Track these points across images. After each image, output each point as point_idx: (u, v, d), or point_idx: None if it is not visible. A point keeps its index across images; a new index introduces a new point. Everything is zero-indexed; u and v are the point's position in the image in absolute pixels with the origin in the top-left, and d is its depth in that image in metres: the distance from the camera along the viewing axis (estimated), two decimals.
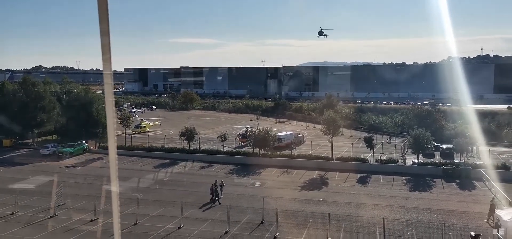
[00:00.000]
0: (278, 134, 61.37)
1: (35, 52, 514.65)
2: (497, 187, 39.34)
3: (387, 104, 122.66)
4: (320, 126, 60.47)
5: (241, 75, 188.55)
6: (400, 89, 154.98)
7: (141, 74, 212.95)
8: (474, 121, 63.63)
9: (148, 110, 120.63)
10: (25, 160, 54.46)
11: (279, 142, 57.91)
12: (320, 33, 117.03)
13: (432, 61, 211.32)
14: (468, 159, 51.01)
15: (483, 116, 77.12)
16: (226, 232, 29.38)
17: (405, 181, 43.93)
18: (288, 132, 66.57)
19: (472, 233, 28.11)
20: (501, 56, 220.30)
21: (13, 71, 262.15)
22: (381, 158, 51.60)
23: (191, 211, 33.70)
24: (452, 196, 38.76)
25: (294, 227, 30.63)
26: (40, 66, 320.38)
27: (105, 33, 3.20)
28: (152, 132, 73.34)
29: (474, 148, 54.97)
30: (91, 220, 31.30)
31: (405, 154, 53.76)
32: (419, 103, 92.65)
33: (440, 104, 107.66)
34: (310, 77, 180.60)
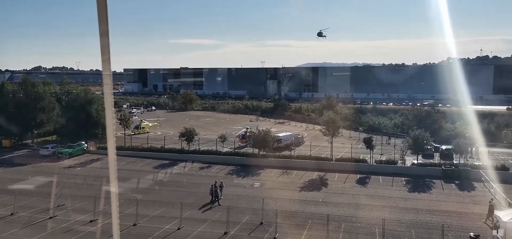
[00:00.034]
0: (278, 135, 61.38)
1: (35, 52, 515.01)
2: (496, 188, 39.34)
3: (387, 105, 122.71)
4: (319, 127, 60.50)
5: (240, 76, 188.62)
6: (400, 90, 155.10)
7: (141, 75, 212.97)
8: (473, 122, 63.66)
9: (147, 111, 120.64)
10: (24, 160, 54.44)
11: (278, 143, 57.92)
12: (319, 34, 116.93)
13: (431, 62, 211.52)
14: (468, 160, 51.03)
15: (483, 117, 77.15)
16: (225, 233, 29.37)
17: (404, 182, 43.93)
18: (288, 133, 66.60)
19: (472, 234, 28.14)
20: (500, 57, 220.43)
21: (12, 72, 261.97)
22: (381, 159, 51.62)
23: (190, 211, 33.69)
24: (452, 197, 38.77)
25: (294, 227, 30.63)
26: (40, 66, 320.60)
27: (104, 34, 3.21)
28: (151, 133, 73.32)
29: (474, 149, 54.98)
30: (91, 221, 31.28)
31: (405, 155, 53.80)
32: (418, 104, 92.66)
33: (440, 105, 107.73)
34: (309, 78, 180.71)
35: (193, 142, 56.74)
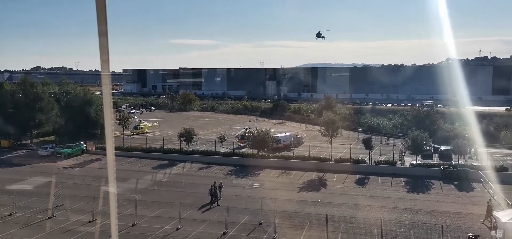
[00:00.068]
0: (277, 135, 61.36)
1: (34, 52, 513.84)
2: (495, 189, 39.39)
3: (386, 105, 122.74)
4: (318, 127, 60.53)
5: (239, 77, 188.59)
6: (399, 90, 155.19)
7: (140, 75, 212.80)
8: (472, 123, 63.70)
9: (146, 111, 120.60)
10: (23, 161, 54.39)
11: (277, 143, 57.90)
12: (318, 35, 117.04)
13: (430, 63, 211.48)
14: (466, 161, 51.06)
15: (482, 117, 77.14)
16: (224, 233, 29.37)
17: (403, 182, 43.95)
18: (287, 133, 66.59)
19: (470, 234, 28.16)
20: (499, 58, 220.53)
21: (11, 72, 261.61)
22: (380, 159, 51.64)
23: (189, 212, 33.68)
24: (450, 198, 38.80)
25: (293, 228, 30.64)
26: (39, 67, 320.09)
27: (103, 34, 3.20)
28: (150, 133, 73.28)
29: (473, 149, 55.00)
30: (89, 221, 31.26)
31: (404, 155, 53.81)
32: (417, 105, 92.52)
33: (439, 105, 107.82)
34: (308, 79, 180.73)
35: (192, 143, 56.72)
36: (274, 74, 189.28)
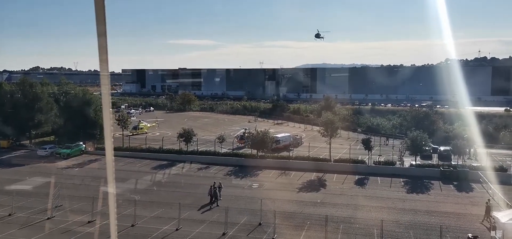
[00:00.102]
0: (276, 135, 61.38)
1: (33, 53, 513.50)
2: (494, 189, 39.41)
3: (385, 106, 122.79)
4: (318, 128, 60.55)
5: (239, 77, 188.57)
6: (398, 91, 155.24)
7: (139, 75, 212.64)
8: (471, 123, 63.76)
9: (146, 112, 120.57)
10: (22, 161, 54.34)
11: (277, 143, 57.89)
12: (317, 36, 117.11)
13: (429, 63, 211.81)
14: (466, 161, 51.08)
15: (481, 118, 77.20)
16: (224, 234, 29.36)
17: (402, 183, 43.96)
18: (286, 134, 66.59)
19: (470, 235, 28.18)
20: (498, 59, 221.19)
21: (10, 72, 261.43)
22: (379, 160, 51.64)
23: (189, 212, 33.66)
24: (450, 198, 38.81)
25: (292, 228, 30.64)
26: (38, 67, 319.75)
27: (102, 34, 3.19)
28: (150, 134, 73.28)
29: (472, 150, 55.05)
30: (89, 222, 31.24)
31: (403, 156, 53.81)
32: (416, 105, 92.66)
33: (438, 106, 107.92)
34: (308, 79, 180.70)
35: (192, 143, 56.69)
36: (273, 75, 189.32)
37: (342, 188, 42.30)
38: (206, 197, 36.78)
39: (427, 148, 53.46)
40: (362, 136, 61.70)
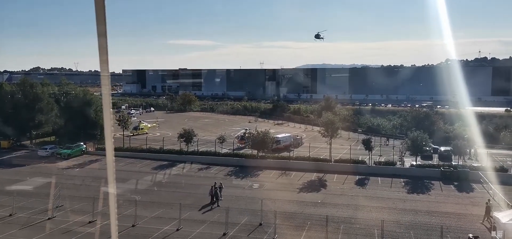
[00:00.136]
0: (277, 136, 61.39)
1: (33, 53, 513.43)
2: (495, 190, 39.40)
3: (385, 106, 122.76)
4: (318, 128, 60.54)
5: (239, 77, 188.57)
6: (398, 91, 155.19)
7: (140, 76, 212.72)
8: (472, 124, 63.74)
9: (146, 112, 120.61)
10: (23, 161, 54.37)
11: (277, 144, 57.89)
12: (317, 36, 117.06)
13: (430, 64, 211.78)
14: (466, 162, 51.06)
15: (481, 118, 77.20)
16: (224, 234, 29.37)
17: (403, 183, 43.95)
18: (287, 134, 66.60)
19: (471, 235, 28.18)
20: (498, 59, 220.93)
21: (11, 73, 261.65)
22: (379, 160, 51.62)
23: (189, 213, 33.67)
24: (450, 198, 38.80)
25: (293, 229, 30.64)
26: (38, 67, 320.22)
27: (102, 35, 3.20)
28: (150, 134, 73.29)
29: (472, 150, 55.03)
30: (89, 222, 31.25)
31: (403, 156, 53.75)
32: (417, 106, 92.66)
33: (438, 106, 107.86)
34: (308, 79, 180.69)
35: (192, 143, 56.72)
36: (273, 75, 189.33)
37: (342, 188, 42.29)
38: (207, 197, 36.79)
39: (427, 148, 53.46)
40: (363, 137, 61.67)
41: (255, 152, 54.03)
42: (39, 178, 45.22)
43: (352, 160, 50.66)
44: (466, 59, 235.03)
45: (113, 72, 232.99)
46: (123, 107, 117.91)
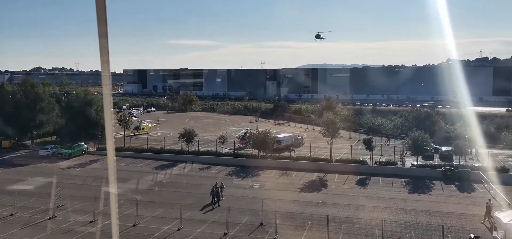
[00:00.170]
0: (277, 136, 61.39)
1: (34, 53, 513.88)
2: (496, 190, 39.36)
3: (386, 106, 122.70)
4: (319, 128, 60.52)
5: (240, 77, 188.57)
6: (399, 91, 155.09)
7: (140, 76, 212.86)
8: (473, 124, 63.68)
9: (147, 112, 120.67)
10: (24, 161, 54.44)
11: (278, 144, 57.91)
12: (317, 36, 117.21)
13: (431, 64, 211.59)
14: (467, 162, 51.03)
15: (482, 118, 77.17)
16: (225, 234, 29.38)
17: (404, 183, 43.93)
18: (287, 134, 66.60)
19: (472, 235, 28.16)
20: (500, 59, 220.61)
21: (12, 73, 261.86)
22: (380, 160, 51.58)
23: (190, 212, 33.69)
24: (451, 198, 38.77)
25: (294, 228, 30.64)
26: (39, 67, 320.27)
27: (103, 35, 3.21)
28: (151, 134, 73.31)
29: (473, 150, 55.01)
30: (90, 222, 31.28)
31: (404, 156, 53.78)
32: (418, 105, 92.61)
33: (439, 106, 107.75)
34: (309, 79, 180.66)
35: (193, 143, 56.74)
36: (274, 75, 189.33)
37: (343, 188, 42.28)
38: (208, 197, 36.81)
39: (428, 148, 53.45)
40: (364, 137, 61.62)
41: (256, 152, 54.04)
42: (40, 178, 45.28)
43: (353, 160, 50.65)
44: (467, 59, 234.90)
45: (114, 72, 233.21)
46: (124, 107, 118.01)
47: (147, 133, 74.38)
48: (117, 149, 52.62)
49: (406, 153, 54.66)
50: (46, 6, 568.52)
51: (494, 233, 28.12)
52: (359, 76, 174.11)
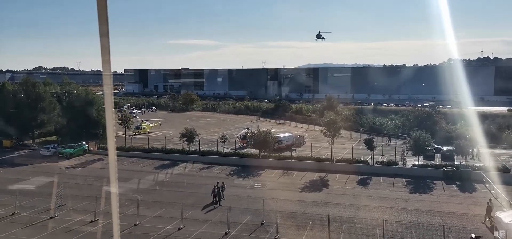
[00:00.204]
0: (278, 135, 61.40)
1: (36, 53, 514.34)
2: (497, 189, 39.30)
3: (387, 106, 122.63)
4: (320, 128, 60.46)
5: (241, 77, 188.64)
6: (401, 91, 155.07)
7: (142, 75, 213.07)
8: (474, 123, 63.61)
9: (148, 111, 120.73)
10: (25, 161, 54.49)
11: (279, 143, 57.92)
12: (318, 36, 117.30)
13: (432, 63, 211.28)
14: (469, 161, 50.96)
15: (484, 118, 77.08)
16: (226, 234, 29.38)
17: (405, 183, 43.89)
18: (288, 134, 66.58)
19: (473, 235, 28.12)
20: (501, 59, 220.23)
21: (13, 72, 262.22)
22: (382, 160, 51.54)
23: (191, 212, 33.70)
24: (453, 198, 38.73)
25: (294, 228, 30.63)
26: (41, 67, 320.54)
27: (104, 35, 3.21)
28: (152, 133, 73.35)
29: (475, 150, 54.93)
30: (91, 221, 31.30)
31: (406, 156, 53.67)
32: (419, 105, 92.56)
33: (441, 106, 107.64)
34: (310, 79, 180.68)
35: (194, 143, 56.75)
36: (275, 75, 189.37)
37: (344, 188, 42.26)
38: (209, 196, 36.82)
39: (429, 148, 53.38)
40: (365, 136, 61.59)
41: (257, 151, 54.04)
42: (41, 177, 45.32)
43: (354, 160, 50.62)
44: (469, 59, 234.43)
45: (115, 71, 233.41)
46: (125, 106, 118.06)
47: (148, 132, 74.42)
48: (118, 149, 52.44)
49: (407, 153, 54.50)
50: (47, 6, 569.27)
51: (495, 233, 28.07)
52: (360, 75, 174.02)
